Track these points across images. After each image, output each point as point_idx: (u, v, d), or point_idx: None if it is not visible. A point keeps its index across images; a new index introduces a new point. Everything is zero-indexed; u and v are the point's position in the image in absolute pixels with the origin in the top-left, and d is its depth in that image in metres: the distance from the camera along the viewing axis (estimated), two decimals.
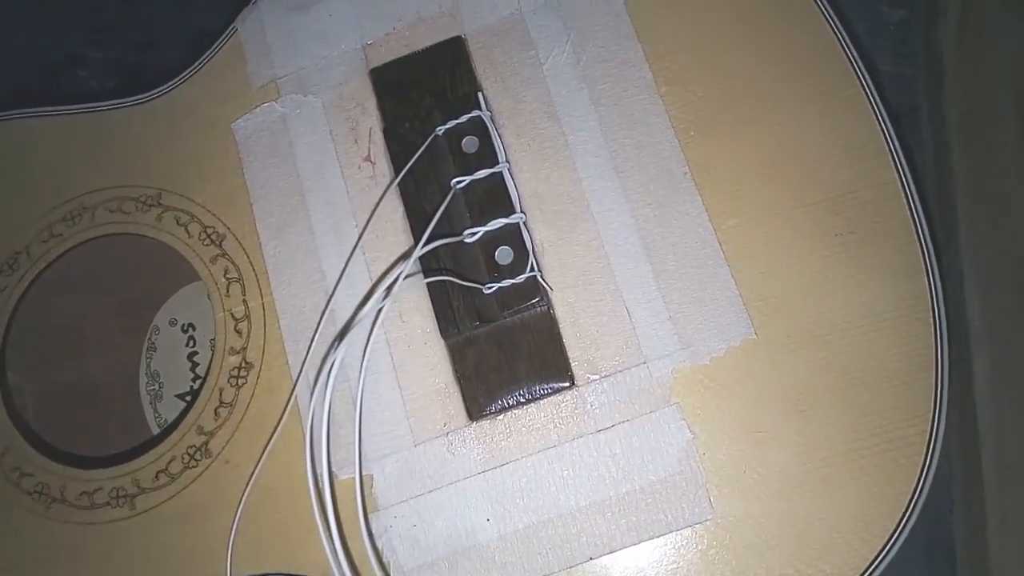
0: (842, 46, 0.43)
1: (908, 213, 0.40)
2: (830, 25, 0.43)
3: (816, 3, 0.43)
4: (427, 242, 0.40)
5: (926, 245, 0.40)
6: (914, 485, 0.38)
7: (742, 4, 0.43)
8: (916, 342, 0.39)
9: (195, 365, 0.57)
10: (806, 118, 0.42)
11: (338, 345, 0.40)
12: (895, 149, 0.41)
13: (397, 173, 0.43)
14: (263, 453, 0.40)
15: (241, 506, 0.40)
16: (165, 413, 0.56)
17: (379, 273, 0.43)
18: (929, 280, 0.39)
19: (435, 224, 0.41)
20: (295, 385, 0.42)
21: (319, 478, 0.39)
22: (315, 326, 0.43)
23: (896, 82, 0.59)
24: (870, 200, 0.40)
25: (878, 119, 0.41)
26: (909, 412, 0.38)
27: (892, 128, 0.41)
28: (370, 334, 0.40)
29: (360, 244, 0.43)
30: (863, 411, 0.39)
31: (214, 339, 0.57)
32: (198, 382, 0.56)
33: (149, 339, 0.58)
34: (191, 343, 0.57)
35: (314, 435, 0.39)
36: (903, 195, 0.40)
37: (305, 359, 0.41)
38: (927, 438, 0.38)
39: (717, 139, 0.42)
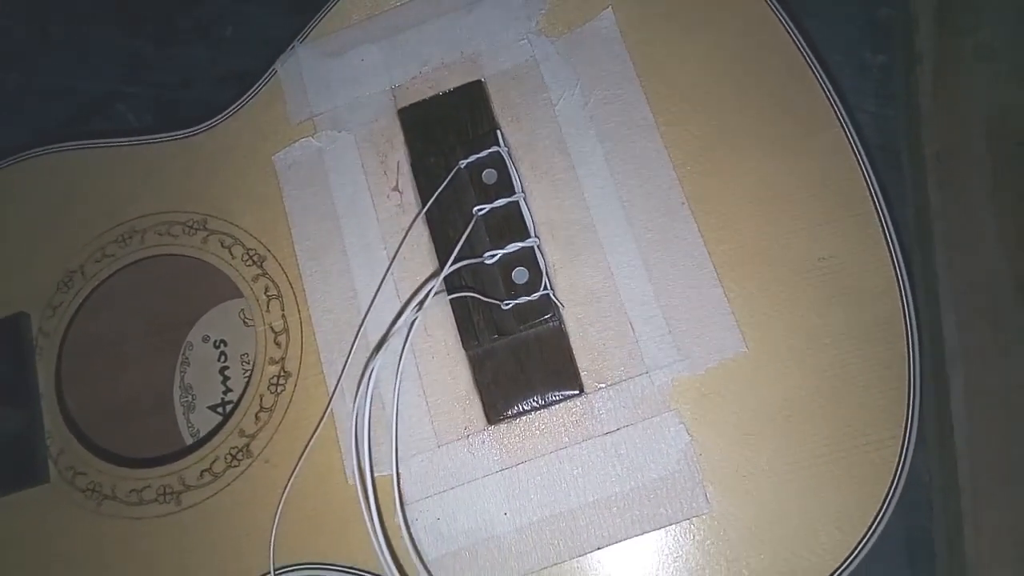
0: (824, 91, 0.47)
1: (884, 241, 0.45)
2: (813, 72, 0.48)
3: (802, 54, 0.48)
4: (452, 263, 0.45)
5: (900, 270, 0.44)
6: (888, 484, 0.42)
7: (734, 53, 0.48)
8: (891, 356, 0.43)
9: (226, 379, 0.61)
10: (792, 155, 0.46)
11: (376, 356, 0.44)
12: (872, 182, 0.46)
13: (423, 202, 0.48)
14: (303, 453, 0.44)
15: (282, 501, 0.44)
16: (197, 423, 0.60)
17: (406, 291, 0.47)
18: (902, 302, 0.44)
19: (459, 247, 0.46)
20: (333, 394, 0.46)
21: (363, 475, 0.43)
22: (347, 339, 0.47)
23: (878, 122, 0.63)
24: (850, 228, 0.45)
25: (856, 156, 0.46)
26: (884, 419, 0.42)
27: (871, 164, 0.46)
28: (404, 344, 0.44)
29: (390, 264, 0.48)
30: (842, 417, 0.43)
31: (245, 354, 0.61)
32: (229, 394, 0.60)
33: (183, 354, 0.62)
34: (223, 358, 0.61)
35: (356, 437, 0.43)
36: (879, 225, 0.45)
37: (343, 370, 0.46)
38: (900, 442, 0.42)
39: (711, 174, 0.47)
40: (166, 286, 0.56)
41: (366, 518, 0.42)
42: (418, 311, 0.44)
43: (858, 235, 0.45)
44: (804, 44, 0.48)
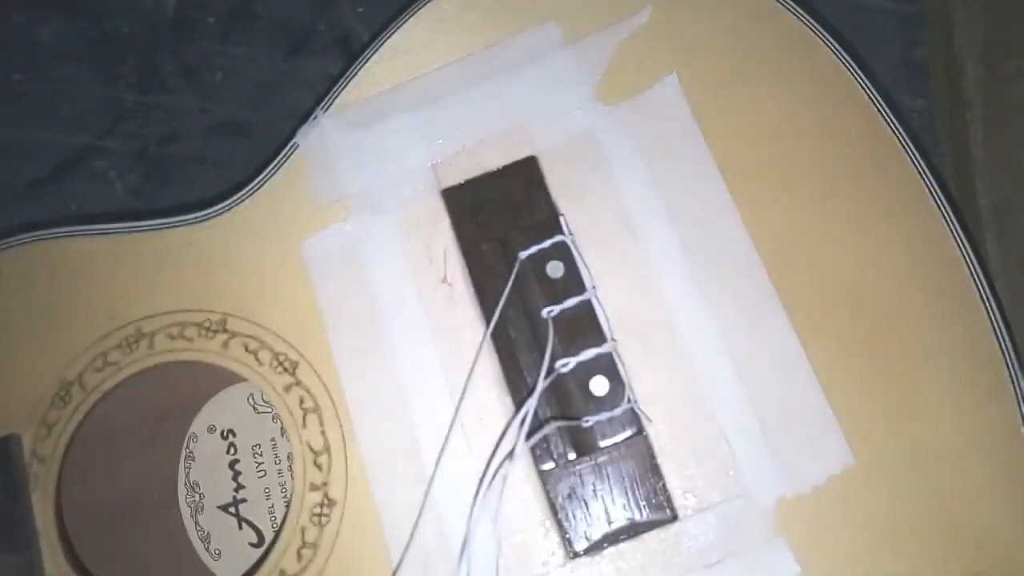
0: (913, 162, 0.43)
1: (994, 338, 0.41)
2: (899, 141, 0.44)
3: (886, 121, 0.44)
4: (545, 377, 0.40)
5: (1014, 368, 0.40)
6: None
7: (812, 118, 0.44)
8: (1011, 469, 0.39)
9: (237, 474, 0.55)
10: (882, 235, 0.42)
11: (477, 504, 0.39)
12: (975, 270, 0.42)
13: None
14: None
15: None
16: (207, 526, 0.54)
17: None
18: (1019, 403, 0.40)
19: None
20: (418, 517, 0.40)
21: None
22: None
23: None
24: (954, 319, 0.41)
25: (955, 238, 0.42)
26: (1011, 539, 0.39)
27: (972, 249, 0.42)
28: (500, 493, 0.38)
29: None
30: (958, 538, 0.39)
31: (257, 445, 0.55)
32: (241, 491, 0.54)
33: (187, 448, 0.55)
34: (232, 450, 0.55)
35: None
36: (988, 319, 0.41)
37: (422, 509, 0.40)
38: None
39: (800, 262, 0.42)
40: (164, 369, 0.50)
41: None
42: (510, 457, 0.38)
43: (964, 333, 0.41)
44: (883, 104, 0.44)
